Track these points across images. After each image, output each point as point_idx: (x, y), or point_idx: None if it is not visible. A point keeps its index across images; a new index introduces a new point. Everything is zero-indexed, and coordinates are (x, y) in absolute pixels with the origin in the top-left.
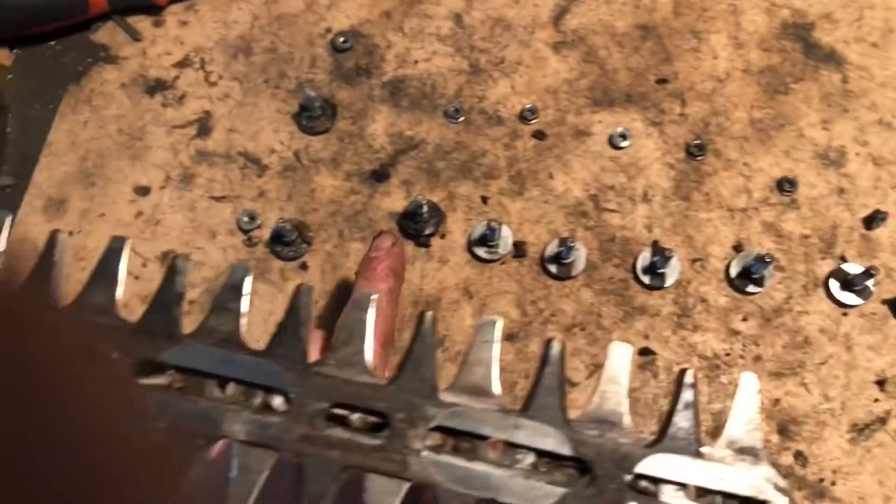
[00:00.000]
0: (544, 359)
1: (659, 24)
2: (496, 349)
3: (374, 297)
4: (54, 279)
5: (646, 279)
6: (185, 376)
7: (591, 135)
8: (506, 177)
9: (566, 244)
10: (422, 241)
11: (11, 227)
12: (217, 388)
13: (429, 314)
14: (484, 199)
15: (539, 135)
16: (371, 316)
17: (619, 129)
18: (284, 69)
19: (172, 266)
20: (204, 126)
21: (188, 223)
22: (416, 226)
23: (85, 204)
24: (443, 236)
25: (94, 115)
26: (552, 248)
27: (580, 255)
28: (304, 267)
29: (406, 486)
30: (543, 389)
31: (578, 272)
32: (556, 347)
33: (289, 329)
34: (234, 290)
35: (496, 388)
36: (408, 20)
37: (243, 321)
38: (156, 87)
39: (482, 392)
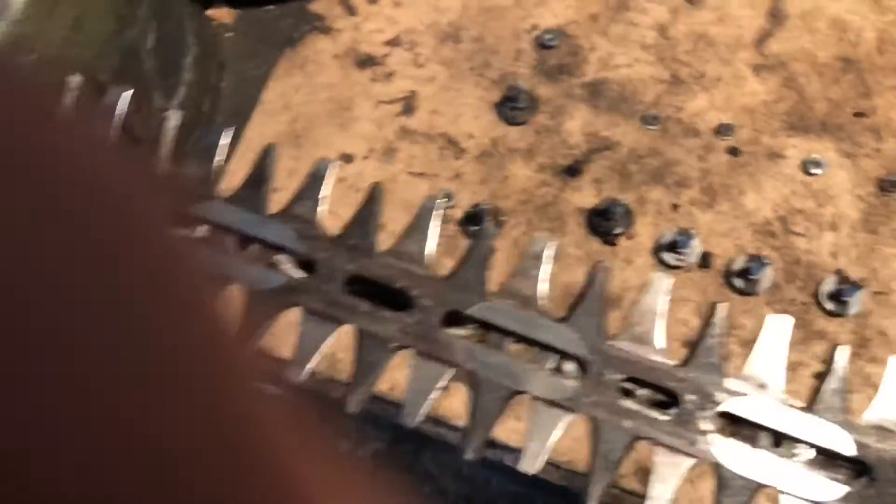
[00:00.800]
0: (830, 361)
1: (861, 59)
2: (784, 343)
3: (669, 281)
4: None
5: (828, 305)
6: (486, 331)
7: (784, 158)
8: (697, 188)
9: (759, 261)
10: (609, 240)
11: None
12: (513, 346)
13: (721, 305)
14: (674, 207)
15: (733, 151)
16: (665, 300)
17: (814, 157)
18: (489, 59)
19: (481, 231)
20: (409, 105)
21: (387, 195)
22: (606, 224)
23: (292, 164)
24: (630, 238)
25: (306, 80)
26: (739, 263)
27: (767, 274)
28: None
29: (691, 462)
30: (829, 391)
31: (763, 290)
32: (840, 353)
33: (588, 302)
34: (536, 258)
35: (781, 383)
36: (613, 25)
37: (543, 287)
38: (366, 61)
39: (764, 384)
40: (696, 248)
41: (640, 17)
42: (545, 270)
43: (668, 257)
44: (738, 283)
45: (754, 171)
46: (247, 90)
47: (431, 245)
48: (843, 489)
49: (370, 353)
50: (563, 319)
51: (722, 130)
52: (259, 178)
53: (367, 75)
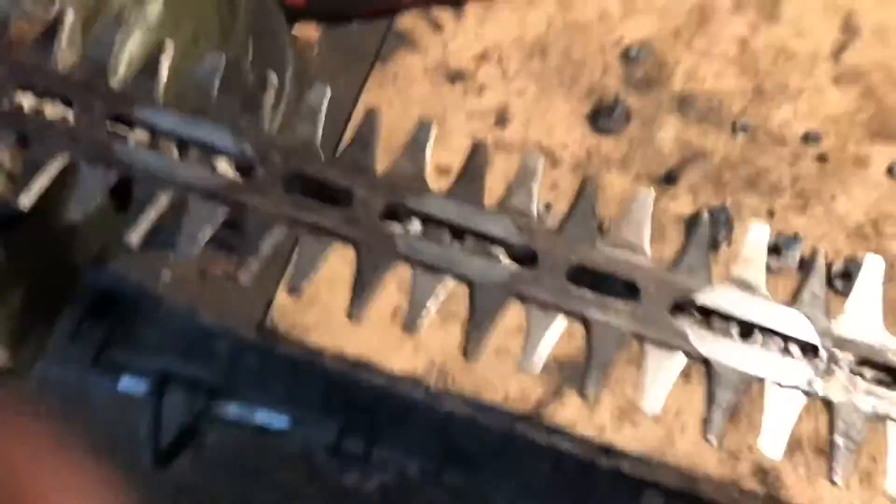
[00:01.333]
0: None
1: None
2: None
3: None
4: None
5: None
6: (709, 317)
7: (869, 164)
8: (790, 193)
9: (857, 263)
10: (711, 247)
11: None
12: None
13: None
14: (770, 213)
15: (822, 158)
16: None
17: None
18: (578, 72)
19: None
20: (502, 117)
21: None
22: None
23: None
24: (729, 244)
25: (398, 95)
26: (839, 266)
27: None
28: None
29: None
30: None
31: None
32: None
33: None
34: (758, 245)
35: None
36: (697, 39)
37: (761, 276)
38: (456, 76)
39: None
40: (794, 253)
41: (721, 32)
42: (762, 256)
43: (770, 261)
44: (839, 284)
45: (843, 177)
46: (339, 105)
47: (647, 233)
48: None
49: (603, 343)
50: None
51: (809, 138)
52: (474, 174)
53: (459, 89)
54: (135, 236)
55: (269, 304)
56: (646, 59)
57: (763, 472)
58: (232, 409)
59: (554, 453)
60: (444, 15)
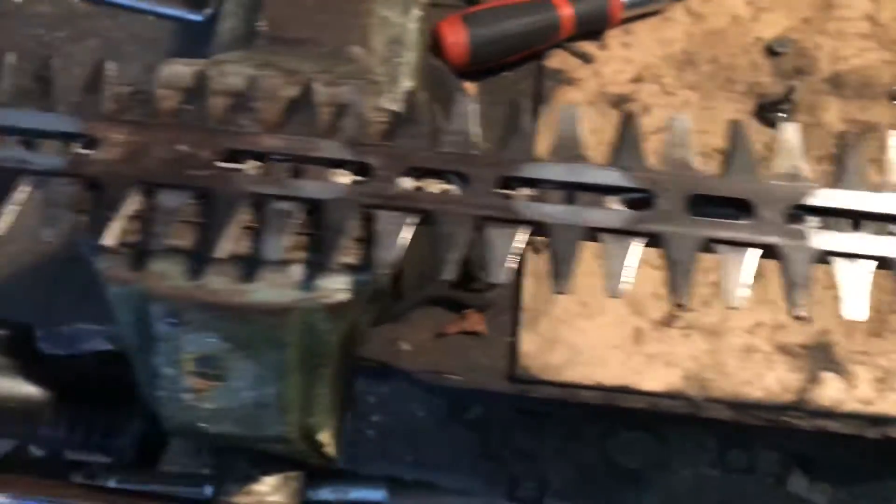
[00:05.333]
0: None
1: None
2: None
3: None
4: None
5: None
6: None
7: None
8: None
9: None
10: None
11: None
12: None
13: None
14: None
15: None
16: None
17: None
18: (731, 75)
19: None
20: None
21: None
22: None
23: None
24: None
25: None
26: None
27: None
28: None
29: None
30: None
31: None
32: None
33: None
34: None
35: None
36: (828, 24)
37: None
38: (619, 101)
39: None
40: None
41: (848, 13)
42: None
43: None
44: None
45: None
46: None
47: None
48: None
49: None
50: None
51: None
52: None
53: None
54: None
55: (511, 353)
56: (789, 50)
57: None
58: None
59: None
60: (587, 47)
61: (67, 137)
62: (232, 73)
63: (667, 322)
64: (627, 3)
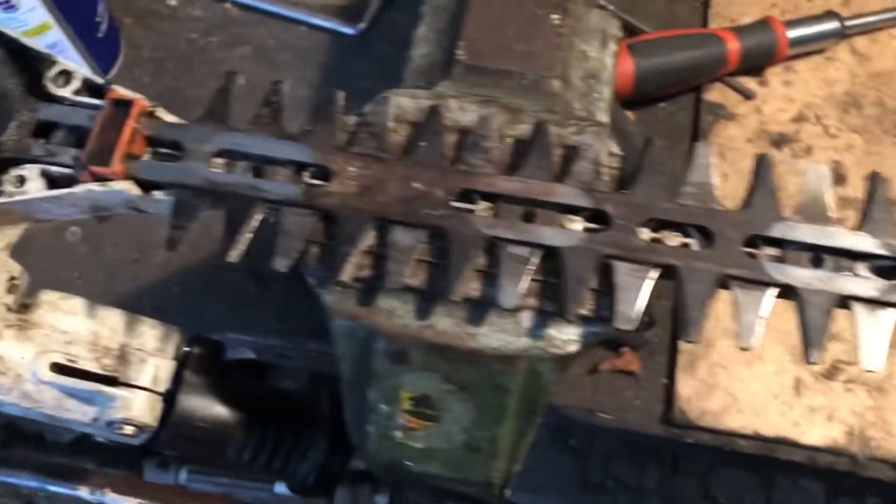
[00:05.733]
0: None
1: None
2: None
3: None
4: None
5: None
6: None
7: None
8: None
9: None
10: None
11: None
12: None
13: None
14: None
15: None
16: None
17: None
18: None
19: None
20: (838, 175)
21: None
22: None
23: None
24: None
25: (730, 168)
26: None
27: None
28: None
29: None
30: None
31: None
32: None
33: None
34: None
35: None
36: None
37: None
38: (780, 140)
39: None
40: None
41: None
42: None
43: None
44: None
45: None
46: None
47: None
48: None
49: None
50: None
51: None
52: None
53: (787, 153)
54: (750, 340)
55: (667, 396)
56: None
57: None
58: None
59: None
60: (748, 84)
61: (298, 167)
62: (456, 108)
63: (829, 375)
64: (793, 40)
